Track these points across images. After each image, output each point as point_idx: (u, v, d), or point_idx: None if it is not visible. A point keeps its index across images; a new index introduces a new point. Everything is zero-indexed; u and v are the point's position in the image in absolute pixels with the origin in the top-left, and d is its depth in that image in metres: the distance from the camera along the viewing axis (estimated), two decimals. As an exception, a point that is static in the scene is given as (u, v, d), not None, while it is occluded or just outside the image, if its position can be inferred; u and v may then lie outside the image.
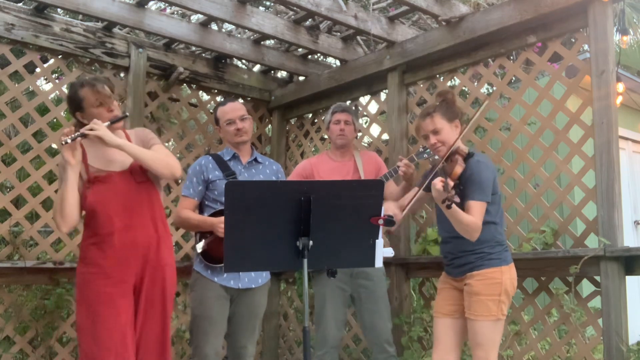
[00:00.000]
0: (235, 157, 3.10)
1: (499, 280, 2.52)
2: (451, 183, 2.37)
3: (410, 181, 3.19)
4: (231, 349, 3.06)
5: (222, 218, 2.83)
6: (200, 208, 3.08)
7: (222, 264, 2.84)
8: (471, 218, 2.47)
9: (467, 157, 2.56)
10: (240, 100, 4.71)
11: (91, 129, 2.42)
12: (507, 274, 2.56)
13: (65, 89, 4.10)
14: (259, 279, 3.05)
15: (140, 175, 2.59)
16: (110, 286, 2.45)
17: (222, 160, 3.09)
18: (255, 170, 3.13)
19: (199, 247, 2.93)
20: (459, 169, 2.50)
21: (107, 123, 2.50)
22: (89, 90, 2.55)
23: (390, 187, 3.30)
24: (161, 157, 2.57)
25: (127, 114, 2.80)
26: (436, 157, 2.73)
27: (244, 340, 3.02)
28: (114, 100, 2.62)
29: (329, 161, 3.51)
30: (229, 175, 3.02)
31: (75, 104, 2.58)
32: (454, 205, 2.36)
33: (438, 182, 2.38)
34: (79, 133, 2.41)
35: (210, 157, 3.10)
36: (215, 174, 3.02)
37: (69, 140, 2.38)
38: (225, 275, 2.93)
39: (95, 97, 2.54)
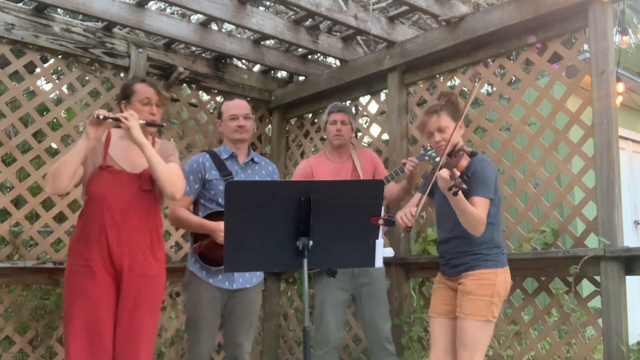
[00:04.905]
0: (232, 156, 3.09)
1: (493, 282, 2.52)
2: (457, 172, 2.37)
3: (412, 180, 3.19)
4: (228, 347, 3.07)
5: (222, 224, 2.85)
6: (196, 206, 3.06)
7: (219, 267, 2.88)
8: (476, 210, 2.47)
9: (471, 155, 2.55)
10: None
11: (125, 117, 2.52)
12: (502, 277, 2.56)
13: (65, 89, 4.11)
14: (253, 278, 3.06)
15: (148, 183, 2.62)
16: (93, 279, 2.48)
17: (219, 158, 3.07)
18: (251, 171, 3.13)
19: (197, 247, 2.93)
20: (464, 162, 2.49)
21: (142, 122, 2.59)
22: (146, 86, 2.70)
23: (391, 188, 3.29)
24: (171, 172, 2.60)
25: (164, 124, 2.88)
26: (437, 159, 2.72)
27: (241, 337, 3.02)
28: (161, 109, 2.76)
29: (327, 162, 3.49)
30: (226, 176, 3.01)
31: (125, 93, 2.72)
32: (460, 194, 2.35)
33: (445, 172, 2.36)
34: (112, 115, 2.51)
35: (208, 155, 3.08)
36: (213, 174, 3.02)
37: (100, 116, 2.46)
38: (220, 276, 2.93)
39: (146, 96, 2.67)
